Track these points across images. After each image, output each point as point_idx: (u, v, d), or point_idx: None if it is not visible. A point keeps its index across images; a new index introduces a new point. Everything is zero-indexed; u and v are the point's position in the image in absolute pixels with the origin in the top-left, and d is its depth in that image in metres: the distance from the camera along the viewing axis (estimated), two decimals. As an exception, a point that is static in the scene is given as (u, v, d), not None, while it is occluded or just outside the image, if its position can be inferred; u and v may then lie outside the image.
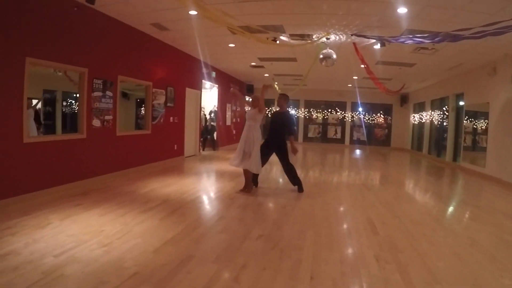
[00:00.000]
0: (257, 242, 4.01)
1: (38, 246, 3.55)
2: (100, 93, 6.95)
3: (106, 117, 7.17)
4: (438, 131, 14.58)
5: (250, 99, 6.77)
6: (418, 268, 3.41)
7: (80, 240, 3.75)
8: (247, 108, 6.90)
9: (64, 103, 8.01)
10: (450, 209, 6.36)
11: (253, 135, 6.23)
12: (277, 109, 7.05)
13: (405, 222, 4.99)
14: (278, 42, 8.40)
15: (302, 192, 6.62)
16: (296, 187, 6.75)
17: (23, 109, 5.25)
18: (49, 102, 8.00)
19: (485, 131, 10.52)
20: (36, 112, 7.35)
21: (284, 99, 6.93)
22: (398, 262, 3.53)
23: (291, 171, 6.71)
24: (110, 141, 7.39)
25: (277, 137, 6.65)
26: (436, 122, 14.72)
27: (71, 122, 8.99)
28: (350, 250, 3.93)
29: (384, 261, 3.55)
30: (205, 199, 6.10)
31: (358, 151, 17.95)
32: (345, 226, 4.85)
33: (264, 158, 6.55)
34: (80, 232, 4.02)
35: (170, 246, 3.78)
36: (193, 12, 6.76)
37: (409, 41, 6.46)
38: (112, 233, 4.03)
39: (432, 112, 15.20)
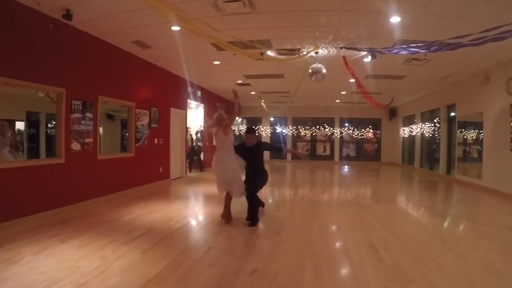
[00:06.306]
0: (251, 278, 3.55)
1: (7, 286, 3.18)
2: (79, 115, 6.56)
3: (86, 140, 6.75)
4: (430, 144, 14.48)
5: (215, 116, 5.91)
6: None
7: (54, 279, 3.36)
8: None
9: (49, 125, 7.64)
10: (454, 227, 5.97)
11: (230, 162, 5.67)
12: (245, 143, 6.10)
13: (410, 246, 4.61)
14: (265, 56, 8.15)
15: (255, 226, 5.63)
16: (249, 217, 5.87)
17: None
18: (33, 124, 7.64)
19: (476, 141, 10.47)
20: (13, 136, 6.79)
21: (255, 134, 6.20)
22: (410, 294, 3.16)
23: (256, 189, 6.04)
24: (91, 165, 6.95)
25: (259, 166, 6.14)
26: (427, 135, 14.63)
27: (55, 144, 8.54)
28: (355, 283, 3.49)
29: (394, 293, 3.17)
30: (192, 227, 5.66)
31: (348, 167, 17.69)
32: (346, 254, 4.37)
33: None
34: (54, 268, 3.63)
35: (153, 286, 3.33)
36: (176, 28, 6.50)
37: (403, 52, 6.08)
38: (89, 270, 3.62)
39: (423, 125, 15.15)
